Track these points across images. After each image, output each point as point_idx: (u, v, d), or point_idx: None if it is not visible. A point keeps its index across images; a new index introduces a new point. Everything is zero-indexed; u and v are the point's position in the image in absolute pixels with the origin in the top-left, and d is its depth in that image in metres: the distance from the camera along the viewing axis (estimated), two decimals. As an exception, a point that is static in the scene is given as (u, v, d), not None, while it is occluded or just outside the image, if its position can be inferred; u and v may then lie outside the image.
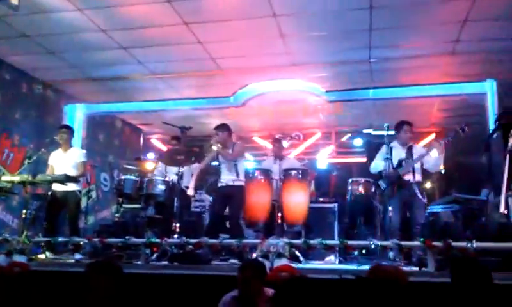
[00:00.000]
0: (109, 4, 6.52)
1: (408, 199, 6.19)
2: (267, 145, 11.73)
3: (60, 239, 6.13)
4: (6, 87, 8.35)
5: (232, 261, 5.64)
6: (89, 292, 3.21)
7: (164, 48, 7.84)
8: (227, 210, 6.68)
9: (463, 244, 4.83)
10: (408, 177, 6.22)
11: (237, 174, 6.61)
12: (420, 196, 6.19)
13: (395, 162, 6.22)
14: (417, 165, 6.31)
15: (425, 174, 6.55)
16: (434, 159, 6.29)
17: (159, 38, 7.45)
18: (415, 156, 6.32)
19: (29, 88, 8.90)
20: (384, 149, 6.40)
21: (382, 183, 6.33)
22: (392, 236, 5.69)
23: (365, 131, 7.44)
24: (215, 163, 6.91)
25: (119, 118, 11.50)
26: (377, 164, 6.48)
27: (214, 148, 6.64)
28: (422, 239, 5.05)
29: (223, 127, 6.80)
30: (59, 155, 7.00)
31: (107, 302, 3.17)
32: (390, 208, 6.00)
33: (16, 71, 8.56)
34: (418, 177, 6.32)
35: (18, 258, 5.42)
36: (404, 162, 6.26)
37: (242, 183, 6.58)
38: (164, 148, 11.78)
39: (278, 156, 6.95)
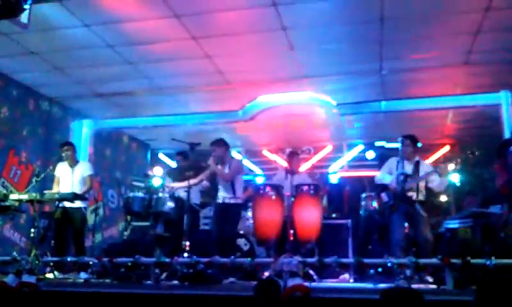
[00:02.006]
0: (116, 19, 6.46)
1: (410, 215, 6.02)
2: (277, 159, 11.60)
3: (69, 259, 6.02)
4: (13, 104, 8.29)
5: (231, 279, 5.52)
6: None
7: (172, 63, 7.76)
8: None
9: (482, 260, 4.71)
10: (412, 194, 6.07)
11: (234, 192, 6.55)
12: (422, 213, 6.04)
13: (400, 177, 6.07)
14: (422, 183, 6.17)
15: (433, 191, 6.41)
16: (440, 179, 6.16)
17: (166, 52, 7.38)
18: (421, 173, 6.17)
19: (36, 105, 8.84)
20: (390, 161, 6.29)
21: (384, 196, 6.21)
22: (395, 251, 5.59)
23: (377, 143, 7.30)
24: None
25: (126, 134, 11.40)
26: (384, 177, 6.36)
27: (210, 165, 6.64)
28: (439, 256, 4.93)
29: (220, 142, 6.76)
30: (66, 170, 7.02)
31: None
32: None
33: (23, 88, 8.50)
34: (421, 196, 6.19)
35: (27, 278, 5.31)
36: (409, 177, 6.09)
37: (238, 201, 6.55)
38: (172, 163, 11.69)
39: (291, 171, 6.79)
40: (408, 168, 6.18)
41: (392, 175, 6.23)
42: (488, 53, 7.21)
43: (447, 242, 6.35)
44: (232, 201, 6.57)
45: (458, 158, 6.59)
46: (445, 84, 8.16)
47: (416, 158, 6.35)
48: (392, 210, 6.06)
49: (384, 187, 6.27)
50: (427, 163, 6.69)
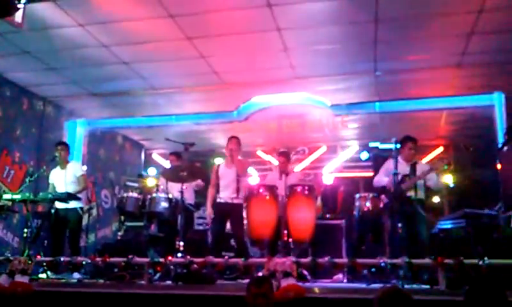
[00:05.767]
0: (111, 19, 6.46)
1: (408, 215, 6.04)
2: (271, 160, 11.60)
3: (62, 259, 5.99)
4: (6, 103, 8.27)
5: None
6: None
7: (166, 63, 7.77)
8: (228, 227, 6.62)
9: (475, 260, 4.72)
10: (410, 193, 6.09)
11: (237, 192, 6.49)
12: (421, 212, 6.07)
13: (395, 177, 6.08)
14: (420, 182, 6.19)
15: (431, 190, 6.43)
16: (437, 178, 6.20)
17: (161, 52, 7.38)
18: (418, 173, 6.20)
19: (29, 105, 8.81)
20: (388, 163, 6.30)
21: (384, 198, 6.24)
22: (395, 252, 5.59)
23: (371, 144, 7.32)
24: None
25: (120, 134, 11.39)
26: (381, 179, 6.37)
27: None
28: (432, 256, 4.94)
29: (236, 139, 6.74)
30: (57, 173, 6.99)
31: None
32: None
33: (17, 87, 8.47)
34: (421, 194, 6.20)
35: (20, 278, 5.29)
36: (407, 178, 6.13)
37: (241, 202, 6.50)
38: (166, 163, 11.66)
39: (284, 171, 6.78)
40: (405, 169, 6.19)
41: (388, 176, 6.24)
42: (481, 55, 7.25)
43: (439, 242, 6.36)
44: (236, 201, 6.52)
45: (452, 158, 6.61)
46: (439, 85, 8.20)
47: (414, 160, 6.38)
48: (390, 211, 6.08)
49: (383, 190, 6.29)
50: (423, 163, 6.72)
